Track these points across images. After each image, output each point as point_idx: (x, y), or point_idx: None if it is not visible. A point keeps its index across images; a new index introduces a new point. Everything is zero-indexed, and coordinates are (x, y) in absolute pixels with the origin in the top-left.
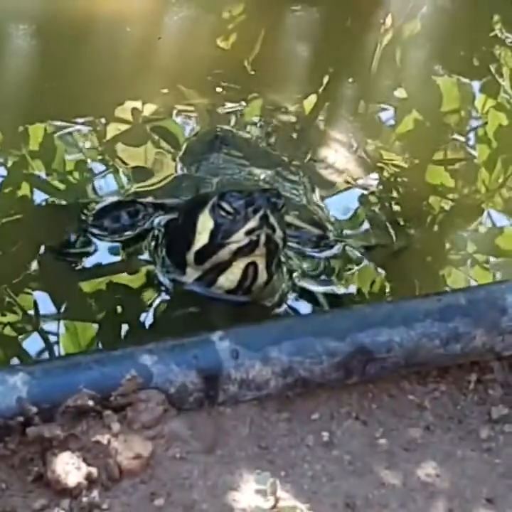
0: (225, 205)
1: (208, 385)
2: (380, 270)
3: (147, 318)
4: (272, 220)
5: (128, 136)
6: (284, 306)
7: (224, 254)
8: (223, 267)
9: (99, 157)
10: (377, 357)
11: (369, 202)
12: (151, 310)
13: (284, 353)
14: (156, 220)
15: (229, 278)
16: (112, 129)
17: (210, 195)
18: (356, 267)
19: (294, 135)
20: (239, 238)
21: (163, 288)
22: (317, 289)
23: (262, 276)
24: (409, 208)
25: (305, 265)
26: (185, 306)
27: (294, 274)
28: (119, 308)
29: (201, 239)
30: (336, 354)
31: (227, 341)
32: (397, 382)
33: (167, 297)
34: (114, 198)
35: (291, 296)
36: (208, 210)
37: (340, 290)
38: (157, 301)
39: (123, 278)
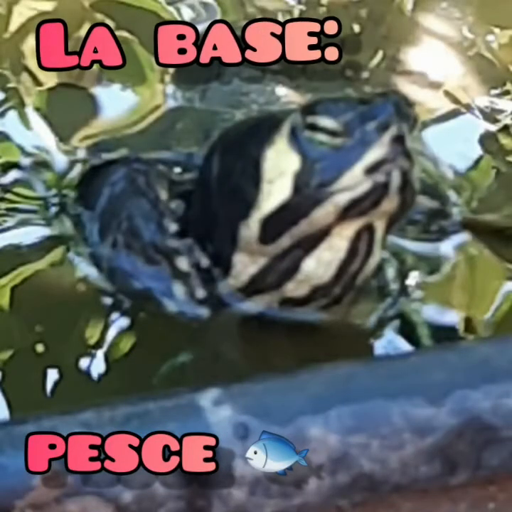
0: (323, 121)
1: (194, 488)
2: None
3: (93, 363)
4: (410, 145)
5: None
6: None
7: (324, 214)
8: (314, 240)
9: None
10: (505, 436)
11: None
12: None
13: (332, 428)
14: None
15: (324, 258)
16: (22, 10)
17: (279, 115)
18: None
19: (367, 24)
20: (354, 181)
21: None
22: (416, 316)
23: (377, 252)
24: None
25: (405, 268)
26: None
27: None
28: (39, 335)
29: (276, 191)
30: (428, 430)
31: (227, 407)
32: None
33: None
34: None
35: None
36: (284, 137)
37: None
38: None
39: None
